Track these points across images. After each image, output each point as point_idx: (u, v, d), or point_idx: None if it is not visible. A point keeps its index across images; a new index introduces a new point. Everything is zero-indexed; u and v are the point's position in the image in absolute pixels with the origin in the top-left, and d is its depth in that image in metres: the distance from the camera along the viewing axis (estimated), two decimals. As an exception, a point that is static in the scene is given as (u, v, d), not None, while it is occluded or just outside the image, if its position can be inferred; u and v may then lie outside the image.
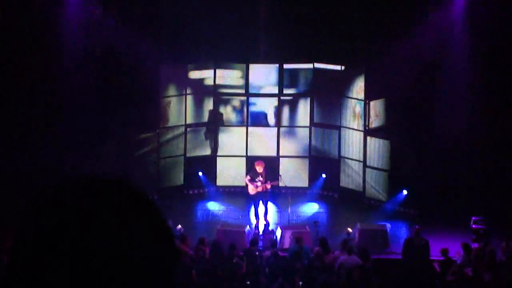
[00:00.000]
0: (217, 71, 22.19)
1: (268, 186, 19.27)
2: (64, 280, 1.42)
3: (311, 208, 21.33)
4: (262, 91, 22.62)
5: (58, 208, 1.48)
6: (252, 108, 22.69)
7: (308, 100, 22.38)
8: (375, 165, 21.31)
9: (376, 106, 21.23)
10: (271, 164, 21.05)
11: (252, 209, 19.83)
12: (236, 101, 22.70)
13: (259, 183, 19.23)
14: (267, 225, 19.38)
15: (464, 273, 15.38)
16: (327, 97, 22.15)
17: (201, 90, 22.32)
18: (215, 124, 22.47)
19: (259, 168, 19.38)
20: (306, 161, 22.58)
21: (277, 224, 19.52)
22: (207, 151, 22.51)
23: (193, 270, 15.38)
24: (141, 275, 1.47)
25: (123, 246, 1.45)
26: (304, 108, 22.48)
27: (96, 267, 1.43)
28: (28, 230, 1.48)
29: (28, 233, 1.48)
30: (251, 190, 19.40)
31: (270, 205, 19.95)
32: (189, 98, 22.13)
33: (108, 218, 1.47)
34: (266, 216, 19.52)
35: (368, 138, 21.30)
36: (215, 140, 22.52)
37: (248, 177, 19.54)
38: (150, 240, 1.50)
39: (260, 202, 19.47)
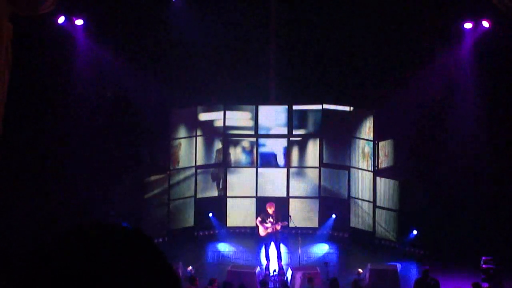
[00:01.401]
0: (227, 113, 22.33)
1: (278, 227, 19.21)
2: None
3: (321, 249, 21.30)
4: (272, 132, 22.72)
5: (63, 254, 1.49)
6: (262, 149, 22.78)
7: (317, 140, 22.46)
8: (385, 205, 21.30)
9: (385, 146, 21.30)
10: (281, 205, 21.03)
11: (263, 250, 19.79)
12: (245, 142, 22.80)
13: (269, 224, 19.20)
14: (280, 268, 19.24)
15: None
16: (336, 137, 22.23)
17: (210, 132, 22.44)
18: (224, 165, 22.55)
19: (271, 210, 19.34)
20: (316, 202, 22.58)
21: (287, 265, 19.45)
22: (217, 193, 22.57)
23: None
24: None
25: None
26: (313, 149, 22.56)
27: None
28: (32, 274, 1.49)
29: (33, 277, 1.48)
30: (262, 231, 19.36)
31: (283, 247, 19.83)
32: (199, 140, 22.24)
33: (114, 263, 1.48)
34: (280, 260, 19.37)
35: (378, 178, 21.33)
36: (224, 181, 22.58)
37: (259, 219, 19.49)
38: (156, 285, 1.51)
39: (272, 244, 19.38)
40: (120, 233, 1.55)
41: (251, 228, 21.83)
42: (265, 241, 19.42)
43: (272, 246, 19.33)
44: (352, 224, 22.04)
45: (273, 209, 19.36)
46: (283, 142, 22.68)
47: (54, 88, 19.98)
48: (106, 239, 1.52)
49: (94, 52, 20.61)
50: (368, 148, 21.50)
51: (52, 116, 20.01)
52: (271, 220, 19.19)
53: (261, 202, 21.55)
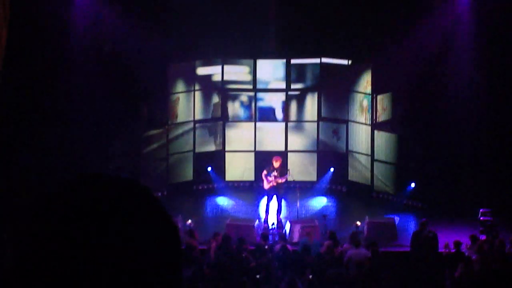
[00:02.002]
0: (225, 67, 22.29)
1: (280, 181, 19.21)
2: (69, 275, 1.45)
3: (319, 202, 21.43)
4: (270, 87, 22.72)
5: (63, 204, 1.50)
6: (260, 104, 22.79)
7: (316, 94, 22.46)
8: (383, 159, 21.39)
9: (383, 100, 21.31)
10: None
11: (263, 203, 19.89)
12: (244, 97, 22.81)
13: (272, 178, 19.22)
14: (278, 221, 19.37)
15: (472, 264, 15.44)
16: (334, 91, 22.24)
17: (209, 86, 22.43)
18: (222, 119, 22.58)
19: (276, 164, 19.33)
20: (314, 155, 22.67)
21: (286, 218, 19.58)
22: (216, 147, 22.63)
23: (204, 265, 15.47)
24: (147, 272, 1.49)
25: (127, 243, 1.48)
26: (311, 103, 22.57)
27: (101, 263, 1.45)
28: (34, 226, 1.50)
29: (34, 228, 1.50)
30: (266, 184, 19.38)
31: (283, 202, 19.88)
32: (197, 94, 22.23)
33: (112, 215, 1.49)
34: (279, 214, 19.48)
35: (376, 132, 21.38)
36: (223, 135, 22.63)
37: (265, 172, 19.47)
38: (155, 237, 1.52)
39: (274, 197, 19.49)
40: (119, 183, 1.57)
41: (250, 182, 21.97)
42: (268, 194, 19.48)
43: (274, 199, 19.40)
44: (350, 178, 22.16)
45: (279, 163, 19.35)
46: (282, 96, 22.68)
47: (52, 44, 19.87)
48: (105, 189, 1.54)
49: (91, 7, 20.47)
50: (366, 102, 21.53)
51: (50, 72, 19.94)
52: (275, 174, 19.21)
53: (260, 156, 21.65)
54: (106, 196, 1.53)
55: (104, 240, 1.47)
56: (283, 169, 19.60)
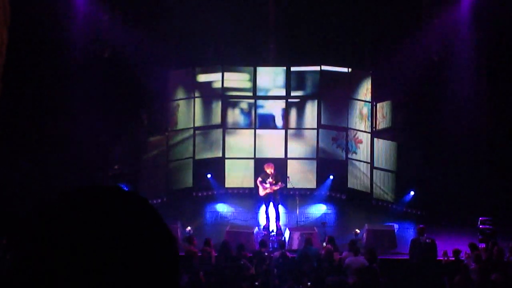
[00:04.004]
0: (225, 74, 22.31)
1: (275, 188, 19.26)
2: (67, 285, 1.47)
3: (319, 209, 21.43)
4: (270, 94, 22.74)
5: (62, 216, 1.52)
6: (260, 111, 22.81)
7: (316, 102, 22.47)
8: (382, 166, 21.39)
9: (383, 108, 21.33)
10: (279, 166, 21.08)
11: (262, 210, 19.91)
12: (244, 104, 22.83)
13: (268, 185, 19.29)
14: (278, 229, 19.39)
15: (470, 273, 15.43)
16: (334, 99, 22.25)
17: (209, 93, 22.44)
18: (223, 126, 22.58)
19: (269, 170, 19.39)
20: (314, 163, 22.68)
21: (285, 226, 19.58)
22: (216, 154, 22.63)
23: (200, 272, 15.49)
24: (144, 282, 1.51)
25: (125, 254, 1.50)
26: (311, 110, 22.58)
27: (99, 273, 1.47)
28: (31, 236, 1.52)
29: (32, 240, 1.51)
30: (261, 191, 19.44)
31: (281, 208, 19.91)
32: (198, 101, 22.24)
33: (111, 226, 1.51)
34: (278, 221, 19.49)
35: (375, 139, 21.39)
36: (223, 142, 22.63)
37: (260, 179, 19.55)
38: (154, 248, 1.54)
39: (271, 204, 19.51)
40: (117, 195, 1.59)
41: (249, 189, 21.96)
42: (265, 201, 19.51)
43: (271, 206, 19.43)
44: (349, 185, 22.16)
45: (271, 169, 19.41)
46: (281, 103, 22.70)
47: (52, 49, 19.90)
48: (103, 201, 1.56)
49: (92, 14, 20.51)
50: (366, 110, 21.54)
51: (50, 78, 19.97)
52: (271, 180, 19.26)
53: (260, 163, 21.65)
54: (104, 208, 1.54)
55: (103, 251, 1.49)
56: (278, 176, 19.62)
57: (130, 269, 1.50)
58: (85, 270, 1.47)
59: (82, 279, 1.47)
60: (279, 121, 22.80)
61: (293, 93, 22.54)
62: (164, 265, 1.56)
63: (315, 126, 22.51)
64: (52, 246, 1.49)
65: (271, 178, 19.29)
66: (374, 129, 21.38)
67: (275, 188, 19.25)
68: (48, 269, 1.48)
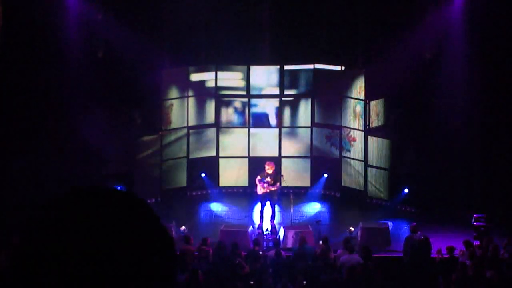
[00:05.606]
0: (218, 73, 22.30)
1: (272, 189, 19.17)
2: (66, 281, 1.48)
3: (313, 208, 21.44)
4: (263, 92, 22.74)
5: (59, 218, 1.53)
6: (254, 109, 22.80)
7: (309, 100, 22.48)
8: (376, 164, 21.42)
9: (376, 106, 21.36)
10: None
11: (257, 209, 19.88)
12: (237, 103, 22.82)
13: (265, 184, 19.19)
14: (272, 227, 19.37)
15: (466, 270, 15.45)
16: (328, 97, 22.27)
17: (202, 92, 22.43)
18: (216, 125, 22.57)
19: (269, 169, 19.30)
20: (308, 161, 22.68)
21: (280, 224, 19.58)
22: (210, 153, 22.61)
23: (199, 270, 15.47)
24: (141, 279, 1.52)
25: (122, 255, 1.51)
26: (305, 109, 22.59)
27: (95, 274, 1.49)
28: (28, 239, 1.53)
29: (29, 242, 1.53)
30: (259, 190, 19.37)
31: (276, 208, 19.86)
32: (191, 100, 22.22)
33: (108, 228, 1.52)
34: (273, 220, 19.47)
35: (369, 137, 21.41)
36: (217, 141, 22.61)
37: (259, 177, 19.46)
38: (151, 249, 1.55)
39: (268, 203, 19.48)
40: (114, 196, 1.60)
41: (243, 188, 21.99)
42: (261, 200, 19.47)
43: (268, 205, 19.37)
44: (343, 183, 22.18)
45: (271, 168, 19.31)
46: (275, 102, 22.70)
47: (45, 50, 19.86)
48: (100, 202, 1.57)
49: (84, 12, 20.47)
50: (359, 108, 21.55)
51: (42, 77, 19.92)
52: (268, 180, 19.18)
53: (253, 162, 21.66)
54: (101, 209, 1.55)
55: (101, 252, 1.50)
56: (278, 176, 19.59)
57: (129, 269, 1.51)
58: (83, 271, 1.48)
59: (82, 279, 1.48)
60: (273, 120, 22.81)
61: (286, 92, 22.55)
62: (161, 265, 1.57)
63: (309, 125, 22.53)
64: (52, 248, 1.50)
65: (270, 177, 19.21)
66: (367, 127, 21.40)
67: (272, 189, 19.18)
68: (47, 270, 1.49)
